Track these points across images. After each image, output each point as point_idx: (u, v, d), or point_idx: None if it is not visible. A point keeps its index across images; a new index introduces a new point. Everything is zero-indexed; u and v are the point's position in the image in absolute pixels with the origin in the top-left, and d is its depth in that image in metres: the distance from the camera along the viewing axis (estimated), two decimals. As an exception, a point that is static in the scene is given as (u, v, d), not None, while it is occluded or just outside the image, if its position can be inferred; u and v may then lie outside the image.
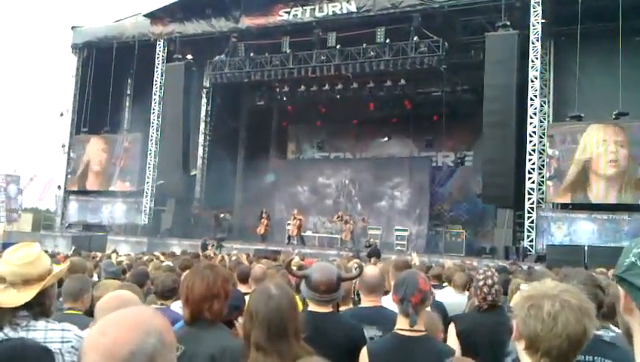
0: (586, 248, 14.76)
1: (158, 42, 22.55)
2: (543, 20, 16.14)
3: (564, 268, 5.80)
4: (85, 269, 4.61)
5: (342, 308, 3.14)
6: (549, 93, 17.37)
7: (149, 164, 22.43)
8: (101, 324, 1.03)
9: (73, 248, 13.66)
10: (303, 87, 21.13)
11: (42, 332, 2.01)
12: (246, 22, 20.63)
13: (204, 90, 23.84)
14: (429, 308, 2.75)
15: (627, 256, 1.10)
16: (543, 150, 16.38)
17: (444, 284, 5.74)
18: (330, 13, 19.09)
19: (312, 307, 2.68)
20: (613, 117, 15.34)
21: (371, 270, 3.31)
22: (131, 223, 22.48)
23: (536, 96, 16.30)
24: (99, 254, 11.79)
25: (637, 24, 15.30)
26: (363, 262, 7.62)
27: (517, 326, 1.43)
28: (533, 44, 16.23)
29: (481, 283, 3.23)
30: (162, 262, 8.14)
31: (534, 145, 16.25)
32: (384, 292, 3.29)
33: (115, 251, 13.75)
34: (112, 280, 3.90)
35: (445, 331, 3.17)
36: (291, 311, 2.01)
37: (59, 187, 25.28)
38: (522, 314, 1.42)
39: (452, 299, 4.86)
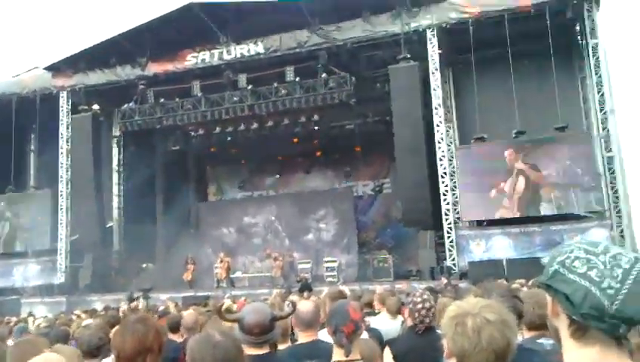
0: (504, 262, 15.55)
1: (61, 94, 21.71)
2: (439, 51, 17.19)
3: (485, 283, 6.13)
4: (5, 338, 4.33)
5: (280, 347, 3.15)
6: (452, 117, 18.40)
7: (61, 220, 21.30)
8: None
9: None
10: (218, 129, 21.01)
11: None
12: (153, 68, 20.39)
13: (115, 140, 23.08)
14: (365, 335, 2.83)
15: (551, 264, 1.21)
16: (454, 172, 17.21)
17: (376, 311, 5.86)
18: (239, 55, 19.28)
19: (248, 350, 2.62)
20: (514, 136, 16.45)
21: (305, 305, 3.34)
22: (47, 283, 21.16)
23: (441, 122, 17.22)
24: (13, 319, 10.98)
25: (523, 48, 16.65)
26: (297, 297, 7.64)
27: (447, 344, 1.50)
28: (432, 73, 17.22)
29: (419, 306, 3.31)
30: (83, 320, 7.75)
31: (445, 168, 17.07)
32: (321, 325, 3.33)
33: (31, 314, 12.87)
34: (37, 338, 3.68)
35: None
36: (238, 357, 1.99)
37: (-35, 252, 23.35)
38: (450, 332, 1.48)
39: (386, 324, 4.97)
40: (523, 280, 8.51)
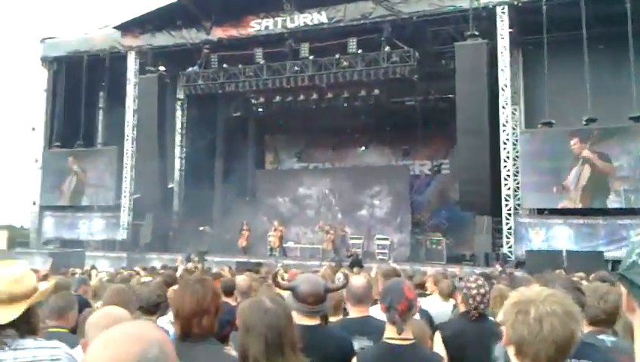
0: (564, 253, 15.01)
1: (129, 54, 22.31)
2: (510, 30, 16.51)
3: (545, 274, 5.93)
4: (69, 286, 4.57)
5: (331, 319, 3.16)
6: (519, 100, 17.65)
7: (125, 177, 22.10)
8: (102, 339, 1.04)
9: (51, 264, 13.37)
10: (278, 98, 21.11)
11: (31, 350, 1.98)
12: (217, 33, 20.59)
13: (179, 102, 23.67)
14: (416, 316, 2.81)
15: (630, 255, 1.12)
16: (517, 157, 16.63)
17: (427, 292, 5.81)
18: (302, 24, 19.18)
19: (300, 320, 2.65)
20: (584, 123, 15.66)
21: (358, 280, 3.33)
22: (110, 238, 22.12)
23: (507, 103, 16.62)
24: (78, 271, 11.58)
25: (600, 33, 15.72)
26: (347, 271, 7.67)
27: (506, 331, 1.48)
28: (501, 53, 16.58)
29: (474, 291, 3.24)
30: (142, 277, 8.07)
31: (508, 152, 16.54)
32: (373, 301, 3.32)
33: (93, 267, 13.52)
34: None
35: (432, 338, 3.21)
36: (288, 325, 2.02)
37: (33, 203, 24.73)
38: (511, 319, 1.47)
39: (437, 307, 4.92)
40: (583, 274, 8.18)
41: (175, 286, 3.93)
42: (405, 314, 2.48)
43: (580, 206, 15.87)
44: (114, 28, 22.49)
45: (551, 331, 1.41)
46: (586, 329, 2.73)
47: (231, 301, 4.24)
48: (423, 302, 4.78)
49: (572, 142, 15.89)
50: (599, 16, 15.36)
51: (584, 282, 5.87)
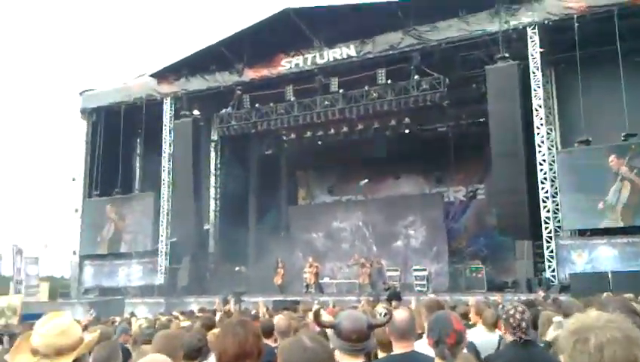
0: (609, 274, 14.44)
1: (165, 100, 22.98)
2: (541, 50, 16.36)
3: (595, 297, 5.66)
4: (111, 336, 4.56)
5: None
6: (554, 120, 17.35)
7: (162, 221, 22.45)
8: None
9: (93, 315, 13.50)
10: (309, 133, 21.34)
11: None
12: (249, 74, 21.10)
13: (212, 144, 24.13)
14: (464, 350, 2.67)
15: None
16: (555, 177, 16.25)
17: (470, 323, 5.60)
18: (331, 59, 19.49)
19: (343, 359, 2.54)
20: (622, 138, 15.28)
21: (401, 314, 3.21)
22: (148, 284, 22.32)
23: (542, 124, 16.34)
24: (117, 319, 11.66)
25: (635, 45, 15.44)
26: (385, 305, 7.48)
27: (565, 361, 1.39)
28: (533, 73, 16.42)
29: (511, 312, 3.19)
30: (181, 321, 8.03)
31: (545, 173, 16.17)
32: (417, 335, 3.19)
33: (133, 314, 13.60)
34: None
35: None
36: None
37: (74, 252, 25.27)
38: (569, 349, 1.37)
39: (483, 337, 4.71)
40: (632, 295, 7.81)
41: (215, 330, 3.86)
42: (455, 348, 2.37)
43: (622, 224, 15.35)
44: (150, 76, 23.26)
45: (613, 359, 1.31)
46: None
47: (270, 342, 4.14)
48: (468, 334, 4.59)
49: (610, 159, 15.47)
50: (632, 29, 15.12)
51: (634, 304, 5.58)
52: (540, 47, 16.35)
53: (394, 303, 10.03)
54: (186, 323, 7.23)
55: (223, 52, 20.74)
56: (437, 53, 17.93)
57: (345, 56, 19.22)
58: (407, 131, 20.06)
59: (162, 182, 22.72)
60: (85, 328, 6.61)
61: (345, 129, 20.57)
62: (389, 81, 18.42)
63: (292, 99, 20.12)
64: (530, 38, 16.45)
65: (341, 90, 19.20)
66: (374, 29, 18.32)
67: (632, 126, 15.05)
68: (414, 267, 19.38)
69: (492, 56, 17.07)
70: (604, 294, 8.66)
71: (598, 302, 3.38)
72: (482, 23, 16.99)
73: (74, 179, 25.70)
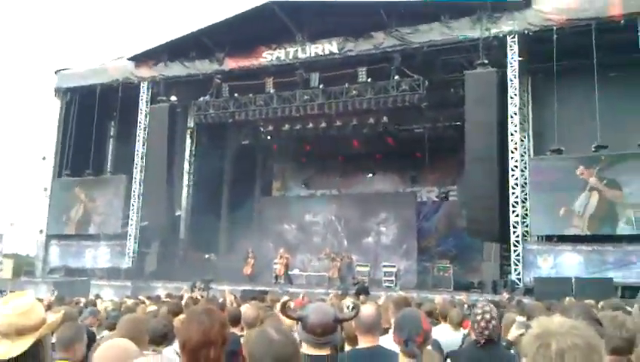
0: (573, 280, 14.79)
1: (142, 84, 22.61)
2: (520, 58, 16.61)
3: (562, 302, 5.80)
4: (76, 317, 4.51)
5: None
6: (528, 127, 17.67)
7: (133, 205, 22.14)
8: None
9: (55, 294, 13.29)
10: (287, 126, 21.26)
11: None
12: (230, 64, 20.87)
13: (189, 131, 23.88)
14: (429, 347, 2.73)
15: None
16: (525, 183, 16.57)
17: (436, 321, 5.70)
18: (313, 54, 19.40)
19: (308, 350, 2.59)
20: (593, 150, 15.62)
21: (367, 309, 3.26)
22: (115, 266, 22.05)
23: (516, 131, 16.61)
24: (82, 300, 11.51)
25: (610, 60, 15.78)
26: (353, 299, 7.55)
27: None
28: (511, 81, 16.66)
29: (479, 317, 3.23)
30: (147, 306, 7.97)
31: (516, 178, 16.47)
32: (383, 330, 3.24)
33: (98, 296, 13.42)
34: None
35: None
36: (294, 355, 1.98)
37: (40, 231, 24.81)
38: (532, 353, 1.42)
39: (448, 336, 4.82)
40: (592, 301, 8.05)
41: (181, 316, 3.86)
42: (422, 346, 2.42)
43: (588, 233, 15.74)
44: (128, 59, 22.85)
45: None
46: (608, 359, 2.65)
47: (237, 330, 4.16)
48: (433, 332, 4.68)
49: (578, 170, 15.85)
50: (610, 44, 15.45)
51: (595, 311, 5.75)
52: (519, 56, 16.58)
53: (362, 298, 10.11)
54: (152, 308, 7.17)
55: (203, 40, 20.50)
56: (418, 56, 18.04)
57: (327, 53, 19.17)
58: (384, 130, 20.18)
59: (135, 165, 22.39)
60: (48, 308, 6.51)
61: (323, 124, 20.57)
62: (370, 80, 18.47)
63: (272, 91, 20.01)
64: (510, 46, 16.68)
65: (321, 86, 19.17)
66: (357, 27, 18.32)
67: (604, 138, 15.39)
68: (384, 263, 19.60)
69: (472, 62, 17.25)
70: (567, 299, 8.88)
71: (560, 307, 3.49)
72: (464, 29, 17.14)
73: (44, 158, 25.18)
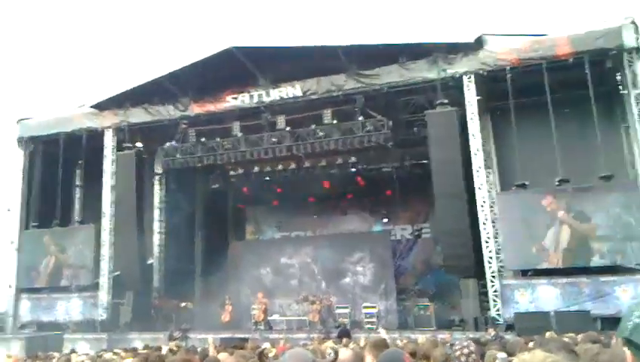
0: (552, 314, 15.00)
1: (106, 132, 22.33)
2: (478, 97, 16.95)
3: (537, 337, 5.91)
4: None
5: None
6: (492, 163, 17.91)
7: (104, 255, 21.68)
8: None
9: (25, 350, 12.91)
10: (256, 169, 21.29)
11: None
12: (195, 109, 20.78)
13: (157, 177, 23.63)
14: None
15: (629, 318, 1.13)
16: (496, 219, 16.79)
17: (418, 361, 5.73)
18: (277, 97, 19.46)
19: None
20: (557, 184, 15.92)
21: (344, 354, 3.25)
22: (89, 319, 21.58)
23: (480, 167, 16.83)
24: (56, 355, 11.23)
25: (563, 97, 16.25)
26: (332, 343, 7.57)
27: None
28: (471, 119, 16.95)
29: (457, 352, 3.26)
30: (123, 359, 7.88)
31: (486, 214, 16.64)
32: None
33: (73, 350, 13.14)
34: None
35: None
36: None
37: (9, 286, 24.12)
38: None
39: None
40: (573, 335, 8.18)
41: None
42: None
43: (561, 266, 15.88)
44: (91, 107, 22.59)
45: None
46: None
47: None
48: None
49: (544, 203, 16.06)
50: (562, 82, 15.92)
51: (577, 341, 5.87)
52: (477, 95, 16.91)
53: (344, 340, 10.05)
54: (129, 361, 7.08)
55: (167, 86, 20.38)
56: (379, 97, 18.29)
57: (291, 95, 19.27)
58: (353, 170, 20.37)
59: (103, 214, 21.97)
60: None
61: (292, 166, 20.69)
62: (335, 121, 18.64)
63: (239, 134, 19.99)
64: (467, 86, 16.99)
65: (288, 128, 19.26)
66: (319, 70, 18.49)
67: (565, 172, 15.73)
68: (364, 304, 19.56)
69: (432, 102, 17.55)
70: (547, 334, 8.99)
71: (538, 342, 3.60)
72: (421, 70, 17.44)
73: (9, 210, 24.59)
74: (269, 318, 20.19)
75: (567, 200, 15.91)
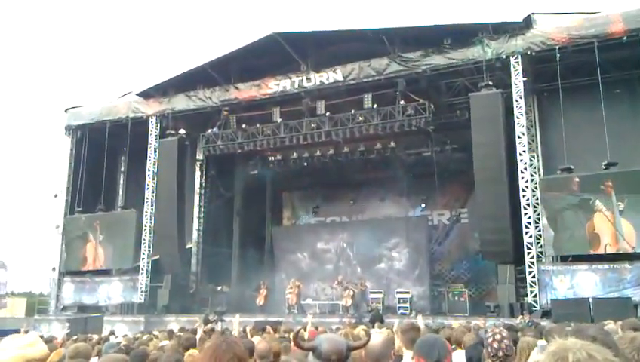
0: (590, 300, 14.52)
1: (150, 119, 22.89)
2: (525, 79, 16.62)
3: (575, 324, 5.68)
4: (89, 354, 4.46)
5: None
6: (537, 147, 17.53)
7: (144, 239, 22.17)
8: None
9: (67, 331, 13.22)
10: (295, 155, 21.41)
11: None
12: (236, 95, 21.11)
13: (198, 163, 24.03)
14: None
15: None
16: (537, 204, 16.40)
17: (453, 347, 5.59)
18: (318, 83, 19.58)
19: (322, 381, 2.56)
20: (603, 167, 15.45)
21: (375, 338, 3.19)
22: (128, 302, 21.98)
23: (524, 151, 16.51)
24: (95, 337, 11.45)
25: (615, 77, 15.84)
26: (367, 328, 7.45)
27: None
28: (516, 101, 16.62)
29: (490, 339, 3.20)
30: (160, 341, 7.93)
31: (528, 199, 16.30)
32: (398, 357, 3.18)
33: (112, 332, 13.36)
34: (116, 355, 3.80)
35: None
36: None
37: (53, 269, 24.85)
38: None
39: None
40: (611, 321, 7.84)
41: (192, 351, 3.82)
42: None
43: (602, 252, 15.39)
44: (136, 95, 23.20)
45: None
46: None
47: (250, 363, 4.09)
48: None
49: (599, 187, 15.54)
50: (613, 61, 15.50)
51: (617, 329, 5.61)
52: (523, 77, 16.59)
53: (377, 325, 9.94)
54: (165, 342, 7.13)
55: (209, 73, 20.78)
56: (422, 80, 18.18)
57: (331, 81, 19.34)
58: (392, 155, 20.19)
59: (146, 200, 22.48)
60: (62, 345, 6.50)
61: (331, 151, 20.68)
62: (375, 106, 18.60)
63: (279, 120, 20.19)
64: (514, 67, 16.69)
65: (327, 113, 19.33)
66: (361, 54, 18.54)
67: (613, 155, 15.25)
68: (397, 289, 19.36)
69: (476, 84, 17.34)
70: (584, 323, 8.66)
71: (575, 329, 3.41)
72: (466, 52, 17.23)
73: (56, 196, 25.38)
74: (302, 302, 20.14)
75: (615, 184, 15.29)
